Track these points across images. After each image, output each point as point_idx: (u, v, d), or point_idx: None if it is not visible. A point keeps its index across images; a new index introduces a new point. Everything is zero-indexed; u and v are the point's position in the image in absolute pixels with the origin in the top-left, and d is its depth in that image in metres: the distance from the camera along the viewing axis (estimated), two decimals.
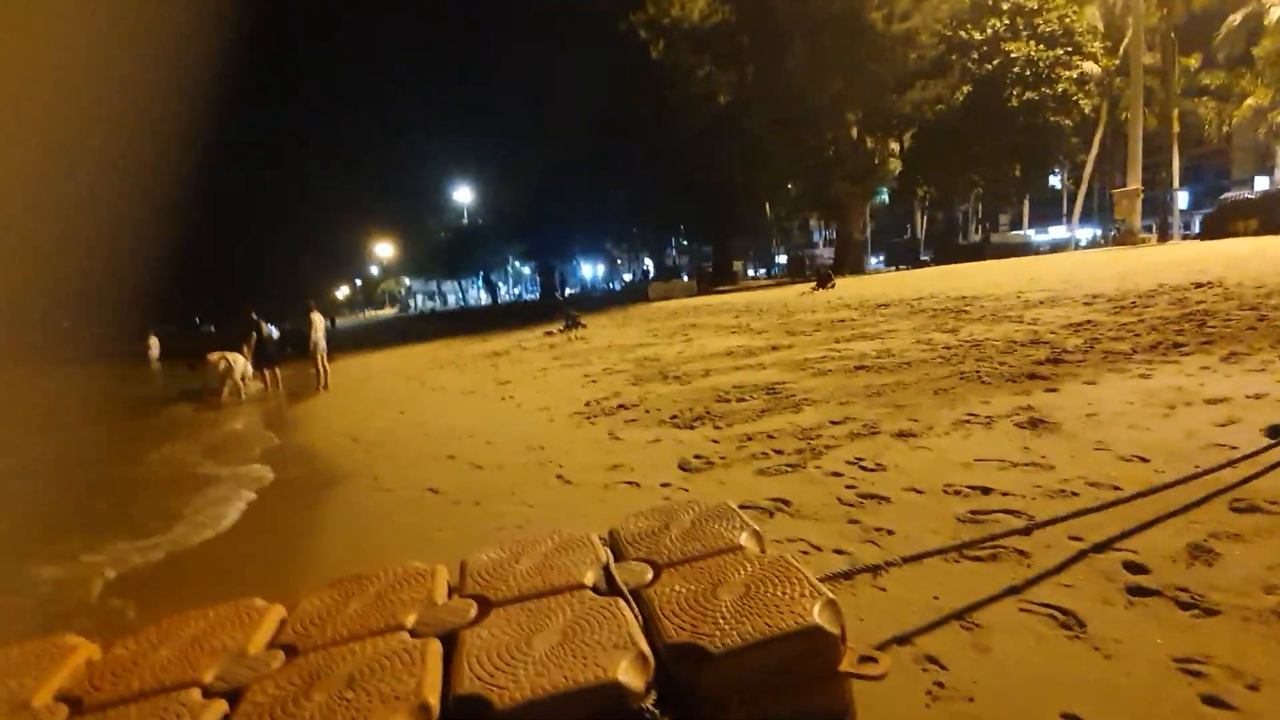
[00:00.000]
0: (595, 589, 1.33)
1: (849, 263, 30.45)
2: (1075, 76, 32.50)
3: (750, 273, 50.80)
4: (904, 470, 2.71)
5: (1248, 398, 3.15)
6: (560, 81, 40.30)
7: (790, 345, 6.89)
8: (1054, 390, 3.69)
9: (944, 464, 2.73)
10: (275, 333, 11.31)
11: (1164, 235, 27.62)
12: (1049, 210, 49.72)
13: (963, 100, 30.21)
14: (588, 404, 5.01)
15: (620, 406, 4.74)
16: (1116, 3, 30.61)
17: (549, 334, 12.49)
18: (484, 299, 73.11)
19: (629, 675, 1.06)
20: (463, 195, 63.36)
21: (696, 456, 3.22)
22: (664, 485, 2.85)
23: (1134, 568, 1.75)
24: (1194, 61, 34.48)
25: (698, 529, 1.53)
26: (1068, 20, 32.69)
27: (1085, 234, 40.52)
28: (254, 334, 10.31)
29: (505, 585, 1.36)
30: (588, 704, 1.02)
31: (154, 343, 19.32)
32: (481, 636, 1.17)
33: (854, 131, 29.27)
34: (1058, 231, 43.82)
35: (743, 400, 4.42)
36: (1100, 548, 1.87)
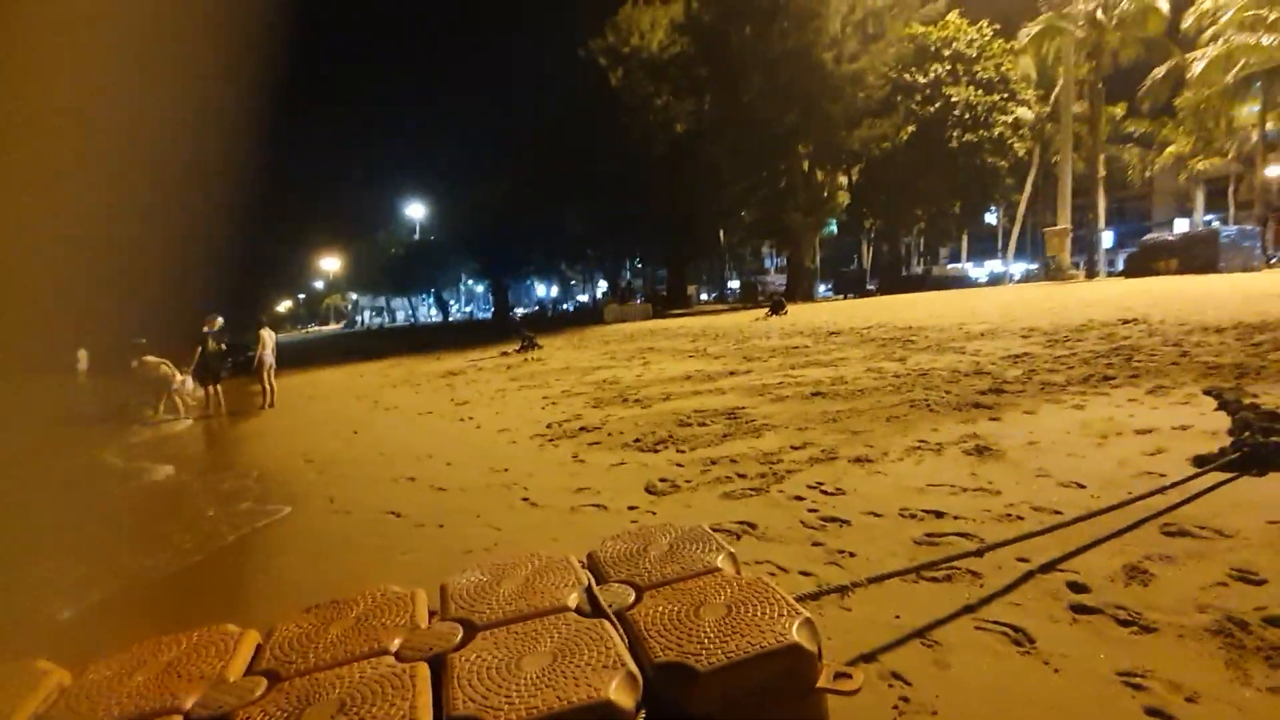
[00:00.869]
0: (579, 611, 1.35)
1: (800, 290, 31.30)
2: (1010, 121, 34.80)
3: (704, 296, 51.54)
4: (862, 494, 2.82)
5: (1173, 429, 3.39)
6: (520, 102, 40.39)
7: (748, 370, 7.03)
8: (997, 419, 3.89)
9: (899, 488, 2.85)
10: (223, 344, 10.86)
11: (1091, 272, 29.47)
12: (986, 245, 52.54)
13: (907, 139, 31.73)
14: (549, 426, 5.00)
15: (582, 429, 4.75)
16: (1048, 53, 32.80)
17: (505, 354, 12.39)
18: (435, 316, 71.89)
19: (620, 694, 1.09)
20: (416, 211, 62.46)
21: (662, 480, 3.26)
22: (631, 508, 2.88)
23: (1076, 587, 1.87)
24: (1120, 110, 37.41)
25: (676, 552, 1.58)
26: (1004, 69, 34.97)
27: (1019, 268, 42.85)
28: (199, 347, 9.90)
29: (489, 608, 1.37)
30: None
31: (83, 355, 18.27)
32: (470, 660, 1.17)
33: (806, 164, 30.31)
34: (993, 265, 46.21)
35: (704, 424, 4.50)
36: (1046, 568, 1.99)
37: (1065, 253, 27.50)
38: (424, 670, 1.14)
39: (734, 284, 54.39)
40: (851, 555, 2.22)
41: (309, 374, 13.09)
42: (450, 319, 67.77)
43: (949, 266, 43.05)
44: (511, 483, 3.46)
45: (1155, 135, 37.37)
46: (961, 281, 35.83)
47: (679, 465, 3.52)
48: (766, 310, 19.41)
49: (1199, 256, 22.82)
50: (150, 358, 9.91)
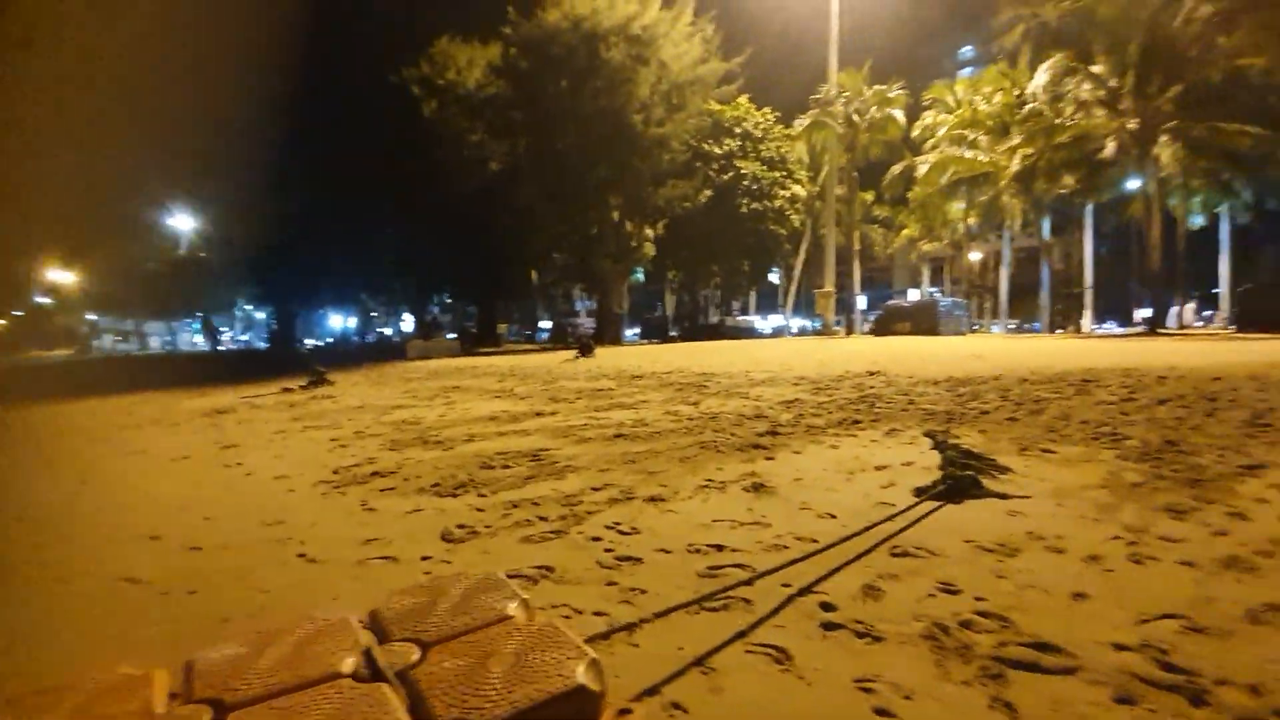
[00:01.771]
0: (356, 677, 1.27)
1: (609, 334, 32.45)
2: (789, 196, 40.38)
3: (514, 336, 51.10)
4: (655, 532, 2.98)
5: (902, 465, 4.08)
6: (319, 122, 37.39)
7: (554, 412, 7.10)
8: (771, 459, 4.36)
9: (688, 525, 3.06)
10: None
11: (850, 329, 34.75)
12: (770, 300, 59.69)
13: (705, 202, 34.97)
14: (336, 471, 4.59)
15: (375, 474, 4.43)
16: (817, 143, 38.71)
17: (288, 390, 11.12)
18: (201, 345, 62.59)
19: None
20: (181, 222, 54.29)
21: (460, 526, 3.15)
22: (425, 558, 2.74)
23: (826, 606, 2.16)
24: (870, 196, 45.33)
25: (466, 602, 1.55)
26: (783, 150, 40.51)
27: (797, 323, 49.34)
28: None
29: (245, 684, 1.22)
30: None
31: None
32: None
33: (616, 214, 31.88)
34: (776, 319, 52.34)
35: (507, 467, 4.44)
36: (804, 591, 2.27)
37: (830, 312, 32.10)
38: None
39: (546, 324, 54.82)
40: (643, 592, 2.34)
41: (22, 411, 10.57)
42: (221, 348, 59.39)
43: (740, 318, 47.77)
44: (286, 537, 3.11)
45: (895, 219, 46.22)
46: (751, 332, 39.97)
47: (479, 510, 3.43)
48: (575, 352, 19.78)
49: (924, 321, 28.11)
50: None
